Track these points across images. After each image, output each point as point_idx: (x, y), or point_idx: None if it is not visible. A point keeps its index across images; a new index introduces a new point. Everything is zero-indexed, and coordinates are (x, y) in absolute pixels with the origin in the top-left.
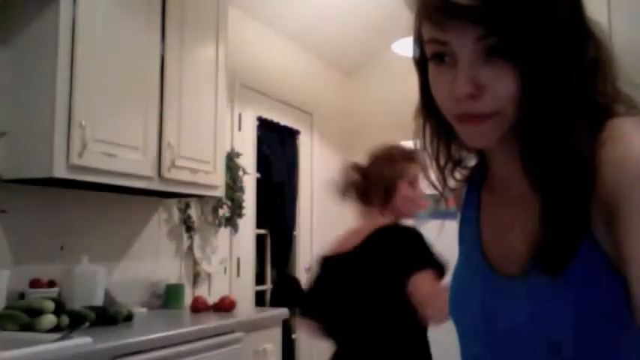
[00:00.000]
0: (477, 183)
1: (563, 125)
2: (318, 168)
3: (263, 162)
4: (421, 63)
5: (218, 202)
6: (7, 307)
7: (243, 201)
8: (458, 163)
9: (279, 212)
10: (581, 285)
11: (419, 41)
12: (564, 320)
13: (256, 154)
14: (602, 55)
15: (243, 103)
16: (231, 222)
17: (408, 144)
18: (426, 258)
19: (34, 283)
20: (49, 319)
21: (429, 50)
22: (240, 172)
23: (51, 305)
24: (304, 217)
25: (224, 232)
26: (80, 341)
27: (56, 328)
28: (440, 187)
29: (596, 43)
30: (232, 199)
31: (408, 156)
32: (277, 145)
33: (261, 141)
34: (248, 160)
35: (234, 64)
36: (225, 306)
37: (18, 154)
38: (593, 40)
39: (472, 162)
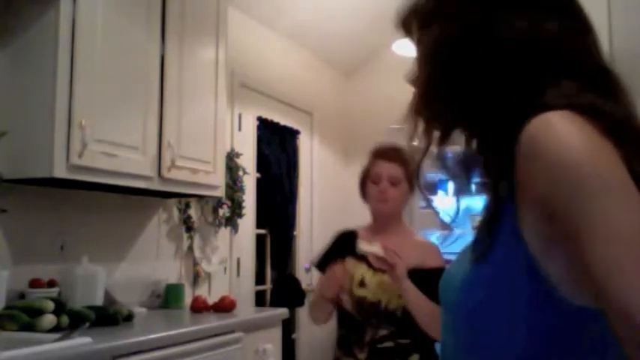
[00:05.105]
0: None
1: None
2: (318, 168)
3: (263, 162)
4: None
5: (218, 202)
6: (7, 307)
7: (243, 201)
8: None
9: (279, 212)
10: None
11: None
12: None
13: (256, 154)
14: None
15: (243, 103)
16: (231, 222)
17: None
18: None
19: (34, 283)
20: (49, 319)
21: None
22: (240, 172)
23: (51, 305)
24: (304, 217)
25: (224, 232)
26: (80, 341)
27: (56, 328)
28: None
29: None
30: (232, 199)
31: (373, 153)
32: (277, 145)
33: (261, 141)
34: (248, 160)
35: (234, 64)
36: (225, 306)
37: (18, 154)
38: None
39: None
